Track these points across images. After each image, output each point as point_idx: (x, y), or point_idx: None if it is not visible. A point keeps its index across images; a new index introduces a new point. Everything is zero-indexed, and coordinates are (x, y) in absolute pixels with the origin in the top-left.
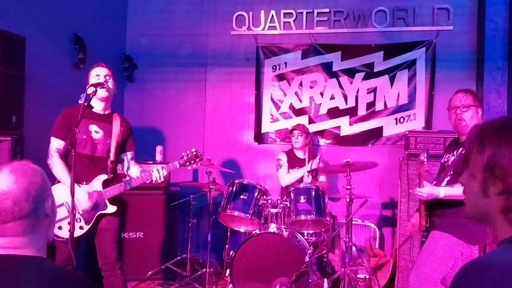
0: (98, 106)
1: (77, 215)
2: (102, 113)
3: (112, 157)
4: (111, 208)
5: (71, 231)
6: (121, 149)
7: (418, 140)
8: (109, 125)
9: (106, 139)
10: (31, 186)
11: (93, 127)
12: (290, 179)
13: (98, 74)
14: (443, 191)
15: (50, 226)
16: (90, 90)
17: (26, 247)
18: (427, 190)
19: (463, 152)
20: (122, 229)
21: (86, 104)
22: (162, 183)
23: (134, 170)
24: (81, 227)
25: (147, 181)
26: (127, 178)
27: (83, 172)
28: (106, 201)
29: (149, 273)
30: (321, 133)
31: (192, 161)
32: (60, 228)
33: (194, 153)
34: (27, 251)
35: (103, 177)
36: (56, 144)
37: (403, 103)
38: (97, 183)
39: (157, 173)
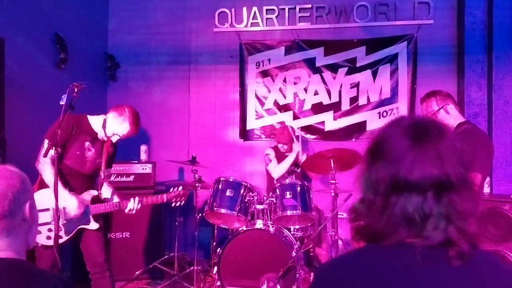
0: (100, 132)
1: (59, 224)
2: (97, 133)
3: (102, 174)
4: (93, 225)
5: (56, 233)
6: (108, 165)
7: None
8: (101, 144)
9: (96, 158)
10: (8, 189)
11: (87, 145)
12: (282, 169)
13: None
14: None
15: (30, 231)
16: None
17: (4, 249)
18: None
19: None
20: (108, 229)
21: (68, 105)
22: (148, 182)
23: (106, 191)
24: (59, 236)
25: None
26: (116, 200)
27: (75, 186)
28: (90, 216)
29: (137, 272)
30: (306, 128)
31: (178, 199)
32: (39, 232)
33: (181, 192)
34: (6, 253)
35: (94, 192)
36: (52, 152)
37: (386, 97)
38: (87, 198)
39: (133, 204)
